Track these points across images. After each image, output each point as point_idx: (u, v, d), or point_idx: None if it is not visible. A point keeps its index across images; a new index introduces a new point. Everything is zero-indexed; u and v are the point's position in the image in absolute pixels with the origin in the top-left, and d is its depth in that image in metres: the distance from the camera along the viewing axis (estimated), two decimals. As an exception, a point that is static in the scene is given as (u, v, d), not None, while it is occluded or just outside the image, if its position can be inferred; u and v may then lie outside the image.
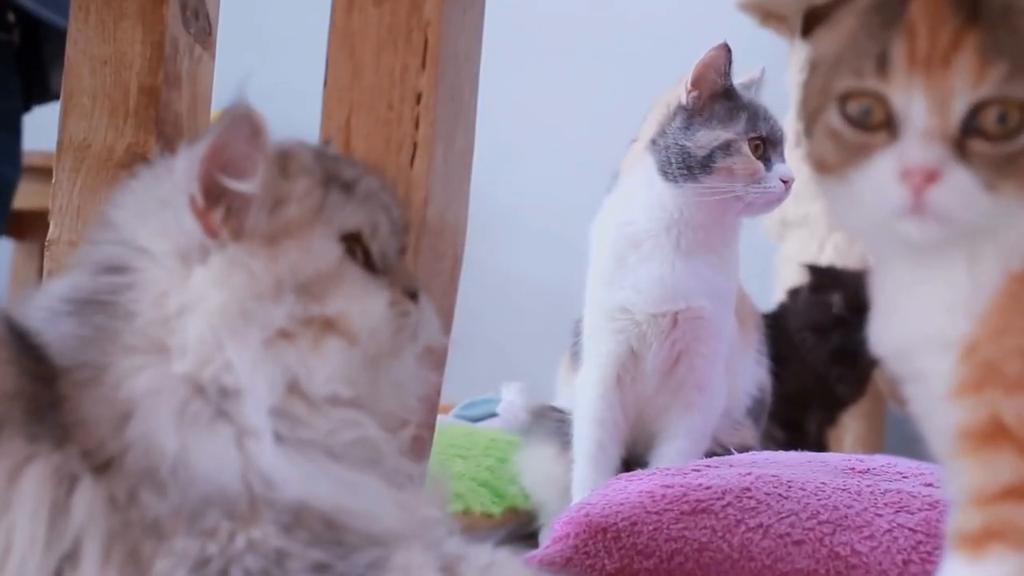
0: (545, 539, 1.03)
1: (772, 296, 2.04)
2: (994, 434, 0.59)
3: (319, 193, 0.69)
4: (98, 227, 0.71)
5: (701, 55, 1.27)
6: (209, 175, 0.66)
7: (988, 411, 0.59)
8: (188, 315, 0.65)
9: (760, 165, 1.25)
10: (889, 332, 0.64)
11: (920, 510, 0.94)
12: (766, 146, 1.26)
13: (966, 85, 0.58)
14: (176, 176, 0.68)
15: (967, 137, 0.58)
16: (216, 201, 0.67)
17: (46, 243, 0.96)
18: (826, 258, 2.14)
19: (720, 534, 0.93)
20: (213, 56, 1.03)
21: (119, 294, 0.66)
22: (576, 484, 1.29)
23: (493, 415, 1.90)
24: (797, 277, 1.97)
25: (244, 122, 0.67)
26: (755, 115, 1.26)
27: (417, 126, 0.82)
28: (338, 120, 0.83)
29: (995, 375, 0.59)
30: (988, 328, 0.59)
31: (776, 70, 2.16)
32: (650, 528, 0.95)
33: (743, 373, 1.39)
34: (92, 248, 0.70)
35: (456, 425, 1.76)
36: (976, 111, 0.58)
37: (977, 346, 0.59)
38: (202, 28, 1.01)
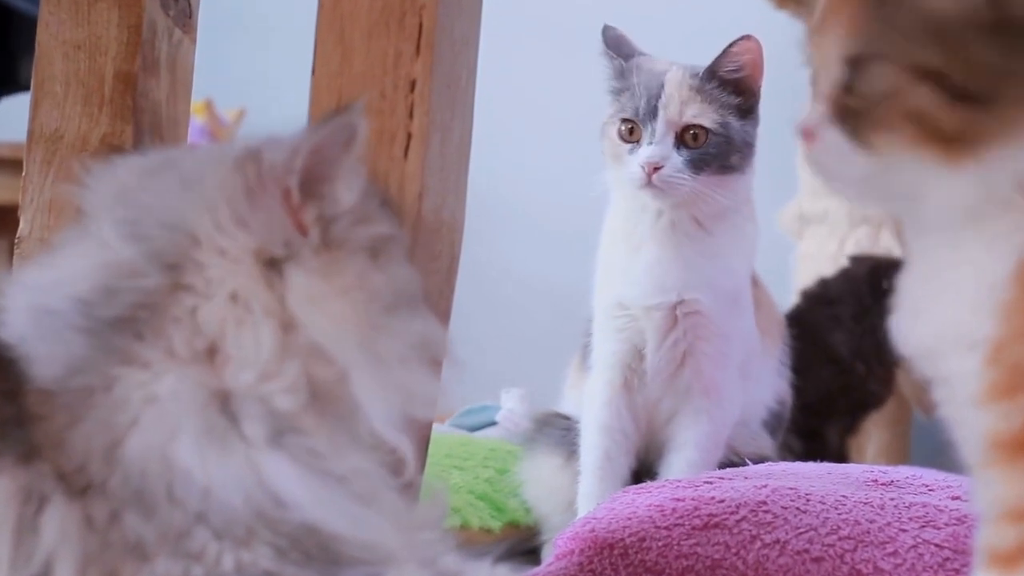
0: (548, 555, 1.03)
1: (789, 296, 2.04)
2: None
3: (387, 212, 0.71)
4: (118, 208, 0.67)
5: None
6: (309, 171, 0.66)
7: (1022, 418, 0.58)
8: (271, 322, 0.64)
9: (622, 148, 1.27)
10: (914, 331, 0.64)
11: (947, 525, 0.94)
12: (640, 127, 1.26)
13: (836, 45, 0.64)
14: (266, 165, 0.66)
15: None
16: (307, 200, 0.66)
17: (15, 240, 0.95)
18: (847, 257, 2.14)
19: (734, 551, 0.93)
20: (194, 40, 1.03)
21: (170, 296, 0.64)
22: (582, 497, 1.29)
23: (492, 423, 1.90)
24: (814, 276, 1.97)
25: (349, 131, 0.67)
26: (634, 94, 1.27)
27: (411, 116, 0.82)
28: (327, 108, 0.83)
29: None
30: (1012, 325, 0.59)
31: (793, 56, 2.16)
32: (659, 544, 0.95)
33: (763, 383, 1.38)
34: (126, 233, 0.66)
35: (453, 434, 1.77)
36: (850, 70, 0.63)
37: (1003, 346, 0.59)
38: (182, 10, 1.01)
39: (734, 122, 1.26)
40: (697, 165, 1.24)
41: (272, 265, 0.65)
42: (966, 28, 0.59)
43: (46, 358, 0.63)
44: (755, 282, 1.36)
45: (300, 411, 0.64)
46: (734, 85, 1.26)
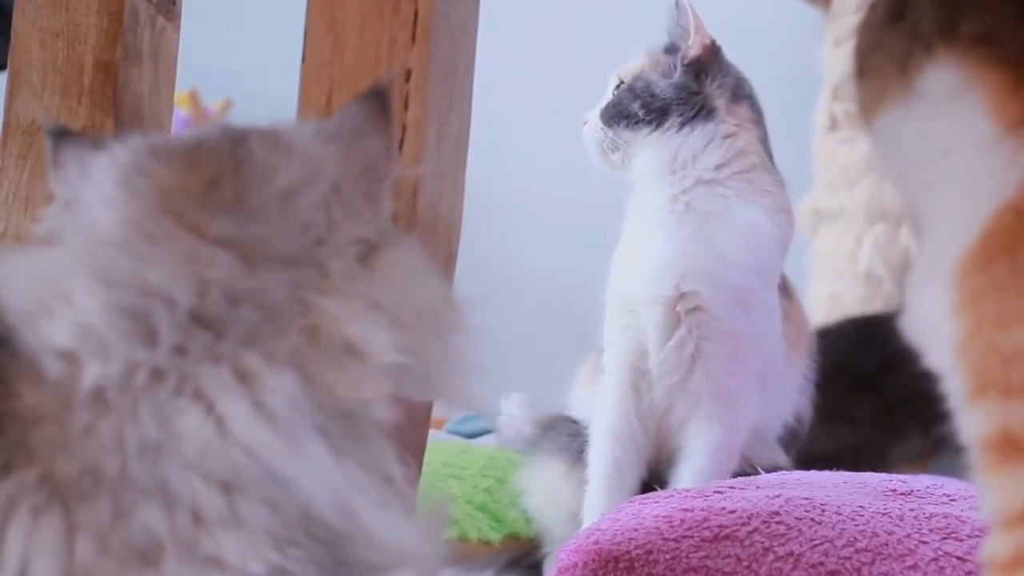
0: (550, 569, 1.03)
1: (803, 296, 2.04)
2: (1008, 445, 0.57)
3: None
4: (228, 202, 0.67)
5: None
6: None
7: (998, 419, 0.57)
8: (377, 316, 0.65)
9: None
10: (906, 324, 0.63)
11: (970, 536, 0.94)
12: None
13: None
14: (373, 154, 0.69)
15: None
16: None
17: (-10, 237, 0.96)
18: (864, 254, 2.13)
19: (746, 564, 0.93)
20: (178, 28, 1.03)
21: (286, 294, 0.65)
22: (588, 507, 1.29)
23: (491, 430, 1.90)
24: (829, 275, 1.97)
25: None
26: None
27: (406, 107, 0.82)
28: (317, 99, 0.83)
29: (988, 379, 0.57)
30: (963, 323, 0.58)
31: (808, 45, 2.16)
32: (667, 557, 0.95)
33: (784, 397, 1.37)
34: (247, 234, 0.66)
35: (450, 442, 1.77)
36: None
37: (963, 345, 0.58)
38: (165, -3, 1.01)
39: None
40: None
41: (366, 254, 0.67)
42: None
43: (106, 357, 0.62)
44: (788, 293, 1.36)
45: (385, 414, 0.66)
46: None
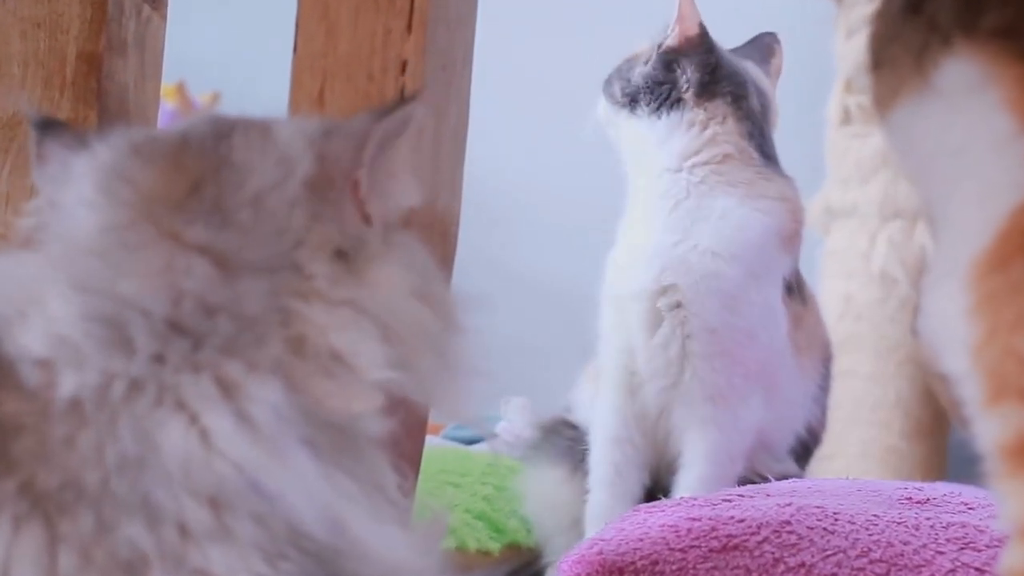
0: (551, 580, 1.03)
1: (815, 296, 2.04)
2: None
3: None
4: (204, 208, 0.67)
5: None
6: (375, 162, 0.68)
7: (1016, 425, 0.58)
8: (365, 325, 0.65)
9: None
10: (921, 327, 0.63)
11: (988, 547, 0.94)
12: None
13: None
14: (333, 156, 0.68)
15: None
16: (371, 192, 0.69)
17: (-30, 236, 0.95)
18: (879, 253, 2.13)
19: (755, 575, 0.93)
20: (164, 17, 1.03)
21: (264, 300, 0.65)
22: (590, 514, 1.29)
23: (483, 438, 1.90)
24: (842, 274, 1.97)
25: (407, 122, 0.69)
26: None
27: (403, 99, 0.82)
28: (310, 92, 0.83)
29: (1006, 383, 0.58)
30: (979, 326, 0.58)
31: (820, 36, 2.16)
32: (673, 568, 0.95)
33: (795, 405, 1.37)
34: (226, 239, 0.66)
35: (448, 448, 1.77)
36: None
37: (979, 349, 0.58)
38: (152, -15, 1.01)
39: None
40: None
41: (341, 259, 0.67)
42: None
43: (82, 366, 0.62)
44: (802, 298, 1.36)
45: (377, 424, 0.66)
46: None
